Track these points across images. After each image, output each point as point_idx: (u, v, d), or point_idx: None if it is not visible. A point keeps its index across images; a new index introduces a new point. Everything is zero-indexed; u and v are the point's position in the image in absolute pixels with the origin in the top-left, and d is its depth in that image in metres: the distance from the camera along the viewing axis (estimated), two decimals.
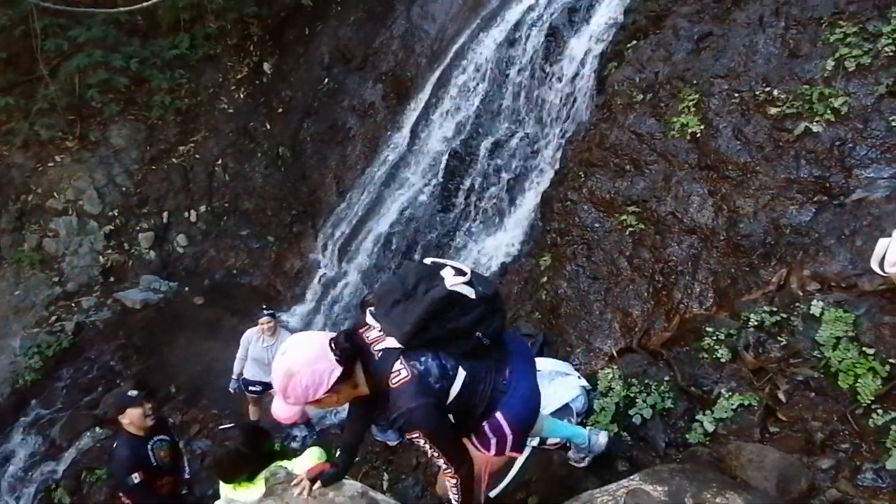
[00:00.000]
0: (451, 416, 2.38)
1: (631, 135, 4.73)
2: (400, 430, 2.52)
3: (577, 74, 6.41)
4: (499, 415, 2.49)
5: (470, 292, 2.39)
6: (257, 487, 2.74)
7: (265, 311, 6.49)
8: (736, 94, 4.35)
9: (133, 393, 4.10)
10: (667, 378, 3.43)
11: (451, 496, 2.47)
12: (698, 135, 4.39)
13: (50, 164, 10.38)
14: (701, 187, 4.31)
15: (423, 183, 8.60)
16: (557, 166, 5.86)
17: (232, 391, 6.86)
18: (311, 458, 2.87)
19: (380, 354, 2.30)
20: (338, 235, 10.24)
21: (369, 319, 2.43)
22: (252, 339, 6.57)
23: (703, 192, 4.30)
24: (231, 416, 7.82)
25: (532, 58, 7.10)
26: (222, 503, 2.79)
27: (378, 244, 9.01)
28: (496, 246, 6.94)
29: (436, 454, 2.31)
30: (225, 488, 2.86)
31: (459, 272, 2.46)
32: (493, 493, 3.38)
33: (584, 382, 3.61)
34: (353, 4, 11.18)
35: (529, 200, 6.80)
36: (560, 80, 6.70)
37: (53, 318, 9.30)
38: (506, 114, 7.53)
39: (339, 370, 2.20)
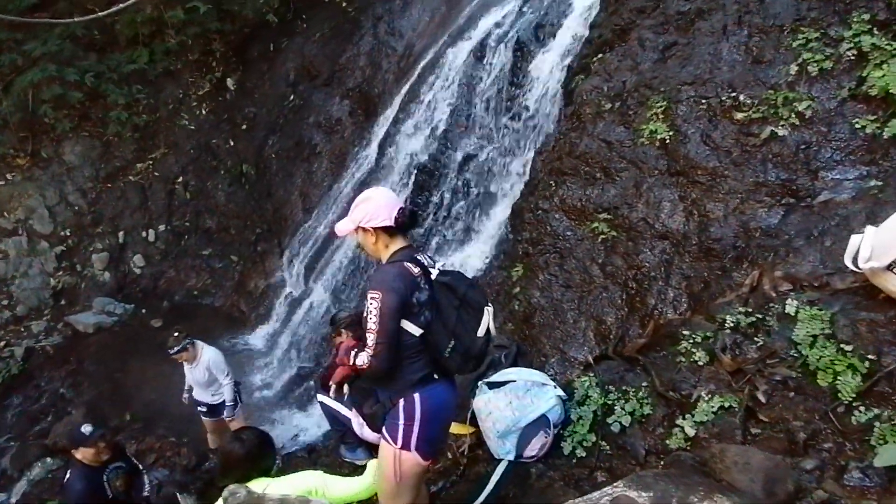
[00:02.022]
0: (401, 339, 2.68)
1: (601, 143, 4.75)
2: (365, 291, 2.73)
3: (544, 87, 6.46)
4: (416, 395, 2.73)
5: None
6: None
7: (172, 351, 6.10)
8: (703, 101, 4.41)
9: (87, 430, 3.88)
10: (644, 384, 3.39)
11: (360, 362, 2.71)
12: (667, 141, 4.43)
13: (0, 183, 9.94)
14: (671, 193, 4.35)
15: None
16: (527, 177, 5.85)
17: (184, 400, 6.69)
18: (299, 482, 2.86)
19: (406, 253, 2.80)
20: (304, 254, 10.04)
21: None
22: (186, 368, 6.39)
23: (674, 198, 4.33)
24: (190, 444, 7.50)
25: (500, 72, 7.14)
26: None
27: (346, 261, 8.86)
28: (465, 259, 6.87)
29: (372, 325, 2.59)
30: None
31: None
32: None
33: (560, 392, 3.54)
34: (319, 21, 11.15)
35: (499, 213, 6.77)
36: (527, 93, 6.74)
37: (2, 343, 8.81)
38: (475, 128, 7.53)
39: (390, 223, 2.75)
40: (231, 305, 10.97)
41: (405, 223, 2.80)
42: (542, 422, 3.42)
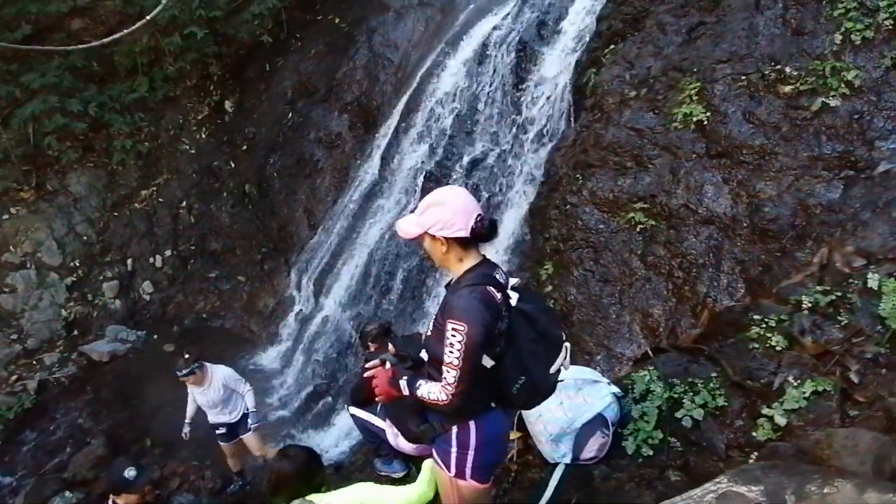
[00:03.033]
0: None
1: (629, 132, 4.46)
2: (442, 315, 2.29)
3: (551, 85, 6.16)
4: (472, 424, 2.42)
5: None
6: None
7: (181, 375, 5.76)
8: (742, 77, 4.13)
9: (132, 474, 3.67)
10: (714, 374, 3.06)
11: (428, 396, 2.34)
12: (705, 122, 4.13)
13: (4, 217, 9.59)
14: (714, 175, 4.05)
15: (399, 209, 8.18)
16: (543, 177, 5.53)
17: (184, 436, 6.32)
18: (352, 495, 2.61)
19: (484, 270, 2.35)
20: (312, 269, 9.68)
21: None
22: (194, 390, 6.03)
23: (717, 181, 4.03)
24: (213, 467, 7.15)
25: (503, 74, 6.86)
26: None
27: (356, 274, 8.50)
28: None
29: (454, 360, 2.21)
30: None
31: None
32: None
33: (615, 389, 3.20)
34: (313, 38, 10.89)
35: (512, 216, 6.44)
36: (534, 92, 6.44)
37: (13, 377, 8.42)
38: (480, 132, 7.23)
39: (465, 234, 2.27)
40: (241, 326, 10.62)
41: (484, 234, 2.31)
42: (598, 421, 3.10)
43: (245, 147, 11.31)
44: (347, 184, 9.79)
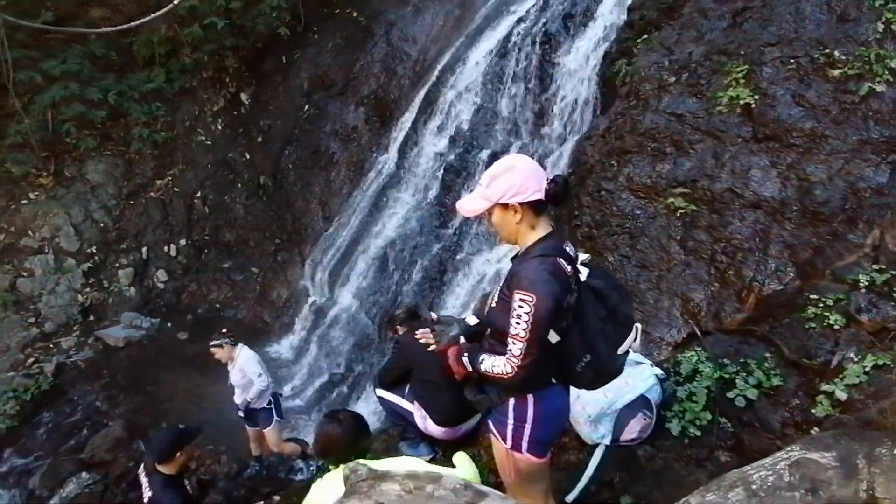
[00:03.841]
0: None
1: (668, 117, 4.43)
2: (509, 286, 2.20)
3: (578, 76, 6.12)
4: (530, 398, 2.34)
5: None
6: (335, 488, 2.34)
7: (212, 343, 5.98)
8: (791, 60, 4.09)
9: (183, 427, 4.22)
10: (767, 354, 3.02)
11: (492, 370, 2.27)
12: (752, 106, 4.08)
13: (23, 202, 9.58)
14: (761, 159, 4.01)
15: (418, 200, 8.16)
16: (568, 168, 5.48)
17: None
18: (405, 462, 2.58)
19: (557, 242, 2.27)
20: (327, 261, 9.63)
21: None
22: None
23: (765, 164, 3.99)
24: (229, 452, 7.15)
25: (526, 67, 6.82)
26: None
27: (372, 266, 8.47)
28: (504, 252, 6.49)
29: (521, 332, 2.13)
30: (311, 494, 2.56)
31: None
32: (569, 499, 2.89)
33: (657, 371, 3.16)
34: (330, 31, 10.87)
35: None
36: (559, 84, 6.40)
37: (31, 360, 8.40)
38: (501, 125, 7.19)
39: (540, 196, 2.19)
40: (254, 317, 10.58)
41: (558, 194, 2.21)
42: (640, 403, 3.07)
43: (260, 139, 11.29)
44: (363, 176, 9.76)
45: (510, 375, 2.20)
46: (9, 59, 8.79)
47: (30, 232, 9.39)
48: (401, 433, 4.58)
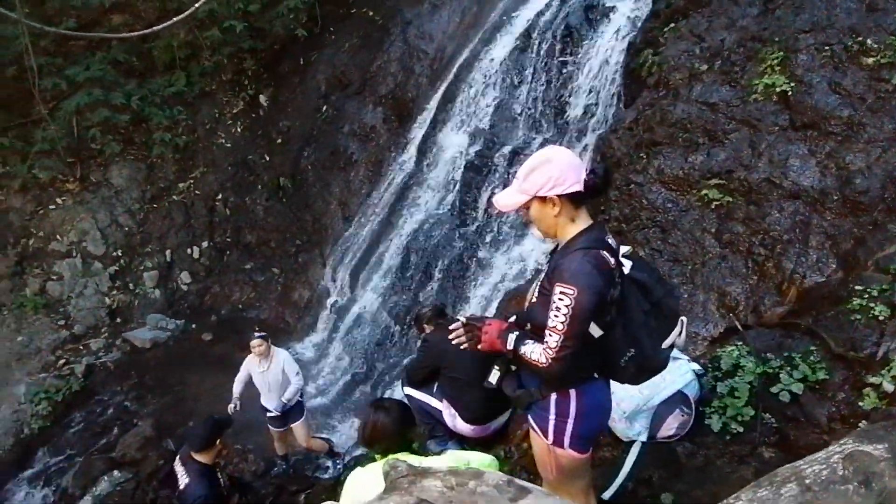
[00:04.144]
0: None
1: (701, 106, 4.35)
2: (550, 280, 2.18)
3: (600, 69, 6.05)
4: (573, 392, 2.30)
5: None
6: (375, 483, 2.33)
7: (256, 334, 6.04)
8: (826, 48, 4.00)
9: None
10: (812, 347, 2.97)
11: (530, 356, 2.23)
12: (789, 93, 4.00)
13: (51, 207, 9.76)
14: (799, 148, 3.92)
15: (438, 199, 8.15)
16: (593, 161, 5.43)
17: (230, 412, 6.14)
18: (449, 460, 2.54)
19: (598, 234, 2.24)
20: (347, 261, 9.67)
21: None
22: (252, 367, 6.09)
23: (804, 153, 3.91)
24: (255, 451, 7.22)
25: (547, 61, 6.76)
26: None
27: (393, 265, 8.48)
28: (527, 252, 6.47)
29: (558, 325, 2.10)
30: (349, 482, 2.55)
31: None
32: (606, 496, 2.86)
33: (695, 366, 3.11)
34: (347, 31, 10.89)
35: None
36: (581, 77, 6.34)
37: (61, 361, 8.57)
38: (522, 121, 7.15)
39: (580, 187, 2.16)
40: (276, 317, 10.67)
41: (598, 186, 2.18)
42: (677, 399, 3.01)
43: (279, 140, 11.36)
44: (382, 176, 9.78)
45: (543, 366, 2.17)
46: (34, 66, 8.94)
47: (58, 236, 9.57)
48: (429, 431, 4.57)
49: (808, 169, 3.91)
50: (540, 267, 6.18)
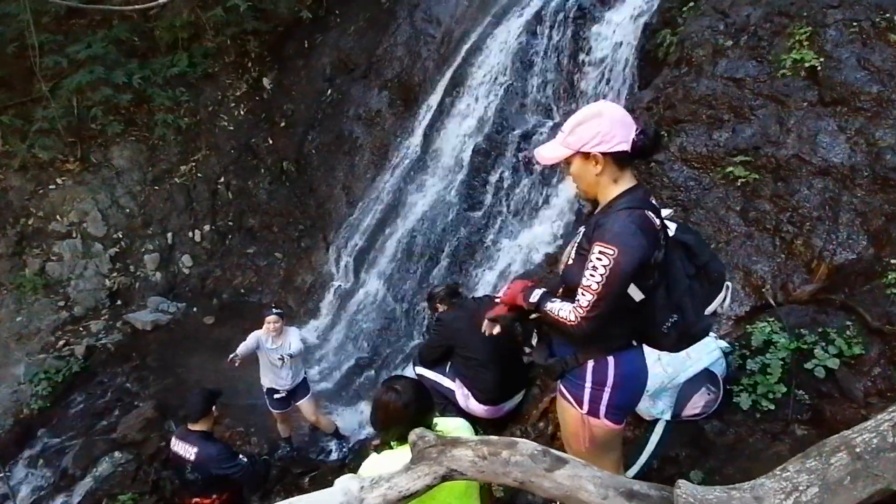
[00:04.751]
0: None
1: (726, 82, 4.25)
2: (590, 239, 2.08)
3: (614, 52, 5.91)
4: (610, 360, 2.19)
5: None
6: (402, 453, 2.27)
7: (274, 311, 5.99)
8: (854, 23, 3.90)
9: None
10: (848, 322, 2.88)
11: (558, 313, 2.13)
12: (818, 68, 3.89)
13: (51, 187, 9.58)
14: (828, 124, 3.81)
15: (445, 183, 8.01)
16: None
17: (232, 361, 5.98)
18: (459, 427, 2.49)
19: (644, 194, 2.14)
20: (351, 246, 9.53)
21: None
22: (262, 342, 5.93)
23: (833, 129, 3.81)
24: (258, 433, 7.13)
25: (558, 44, 6.61)
26: (354, 480, 2.08)
27: (400, 250, 8.35)
28: (535, 237, 6.34)
29: (593, 284, 2.00)
30: (365, 465, 2.47)
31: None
32: (629, 474, 2.77)
33: (722, 343, 3.00)
34: (353, 14, 10.71)
35: (567, 188, 6.23)
36: (593, 60, 6.19)
37: (61, 342, 8.44)
38: (532, 105, 7.00)
39: (626, 146, 2.04)
40: (279, 302, 10.49)
41: (646, 148, 2.08)
42: (703, 377, 2.91)
43: (283, 124, 11.20)
44: (388, 160, 9.63)
45: (572, 324, 2.07)
46: (35, 44, 8.74)
47: (58, 217, 9.40)
48: (441, 412, 4.46)
49: (837, 145, 3.81)
50: (552, 251, 6.06)
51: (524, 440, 2.03)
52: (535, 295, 2.23)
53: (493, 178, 7.22)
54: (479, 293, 7.04)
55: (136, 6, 6.20)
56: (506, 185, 7.06)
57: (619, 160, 2.09)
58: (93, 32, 9.95)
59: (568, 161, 2.15)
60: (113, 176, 10.12)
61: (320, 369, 8.68)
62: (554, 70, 6.77)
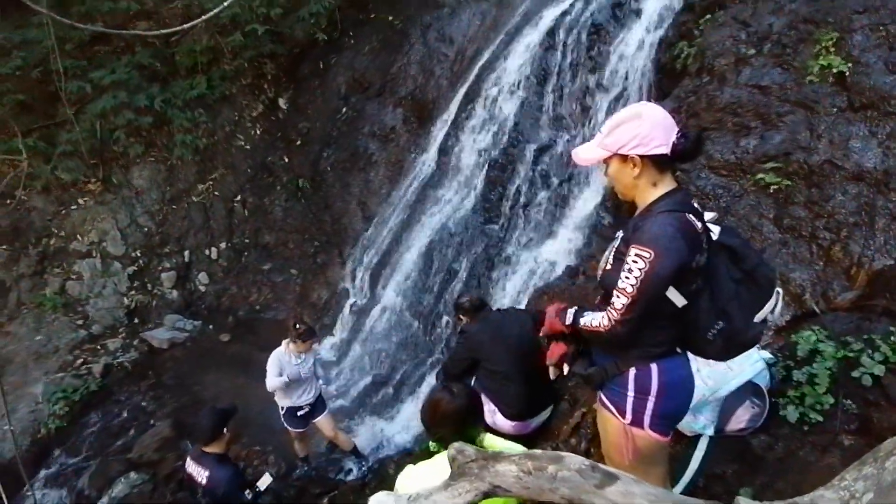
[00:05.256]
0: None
1: (751, 90, 4.14)
2: (628, 243, 1.99)
3: (629, 65, 5.83)
4: (654, 367, 2.07)
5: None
6: (439, 466, 2.16)
7: (302, 325, 5.84)
8: (880, 28, 3.79)
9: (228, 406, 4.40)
10: (892, 328, 2.73)
11: (590, 323, 2.08)
12: (846, 74, 3.78)
13: (73, 207, 9.62)
14: (859, 129, 3.69)
15: (461, 197, 7.91)
16: None
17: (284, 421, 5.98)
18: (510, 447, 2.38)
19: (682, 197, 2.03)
20: (367, 261, 9.44)
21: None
22: (284, 360, 5.76)
23: (864, 134, 3.70)
24: (275, 452, 6.98)
25: (573, 59, 6.54)
26: (391, 497, 1.94)
27: (416, 265, 8.24)
28: (555, 250, 6.21)
29: (627, 287, 1.92)
30: (401, 479, 2.33)
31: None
32: (677, 491, 2.58)
33: (766, 354, 2.83)
34: (367, 35, 10.76)
35: (587, 199, 6.11)
36: (608, 74, 6.11)
37: (79, 361, 8.36)
38: (547, 120, 6.93)
39: (666, 150, 1.96)
40: (294, 318, 10.35)
41: (687, 152, 1.98)
42: (747, 390, 2.73)
43: (299, 142, 11.21)
44: (402, 176, 9.58)
45: (606, 328, 2.01)
46: (61, 69, 8.84)
47: (78, 236, 9.40)
48: None
49: (869, 150, 3.68)
50: (573, 263, 5.91)
51: (570, 454, 1.88)
52: (569, 316, 2.15)
53: (511, 191, 7.12)
54: (500, 305, 6.90)
55: (160, 31, 6.20)
56: (523, 199, 6.95)
57: (658, 163, 2.01)
58: (117, 58, 10.09)
59: (606, 162, 2.08)
60: (132, 196, 10.14)
61: (337, 386, 8.52)
62: (569, 84, 6.70)
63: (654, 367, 2.07)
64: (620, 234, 2.16)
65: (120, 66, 9.64)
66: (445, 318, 7.24)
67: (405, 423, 6.90)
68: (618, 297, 1.96)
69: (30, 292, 8.92)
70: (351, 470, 6.49)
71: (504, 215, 7.16)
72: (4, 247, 9.20)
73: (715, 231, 2.06)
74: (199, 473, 4.25)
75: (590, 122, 6.58)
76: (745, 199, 3.90)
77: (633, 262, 1.91)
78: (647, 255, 1.88)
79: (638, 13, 6.12)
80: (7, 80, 9.18)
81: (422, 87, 9.76)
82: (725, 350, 2.09)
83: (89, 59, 10.05)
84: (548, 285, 5.51)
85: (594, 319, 2.06)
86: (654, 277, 1.89)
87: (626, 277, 1.93)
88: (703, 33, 4.74)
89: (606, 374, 2.15)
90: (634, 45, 5.96)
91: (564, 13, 7.04)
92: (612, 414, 2.15)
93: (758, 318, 2.06)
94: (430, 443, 2.34)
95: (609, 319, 1.99)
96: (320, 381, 6.09)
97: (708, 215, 2.10)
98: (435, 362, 7.19)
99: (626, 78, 5.96)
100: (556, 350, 2.29)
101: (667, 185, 2.05)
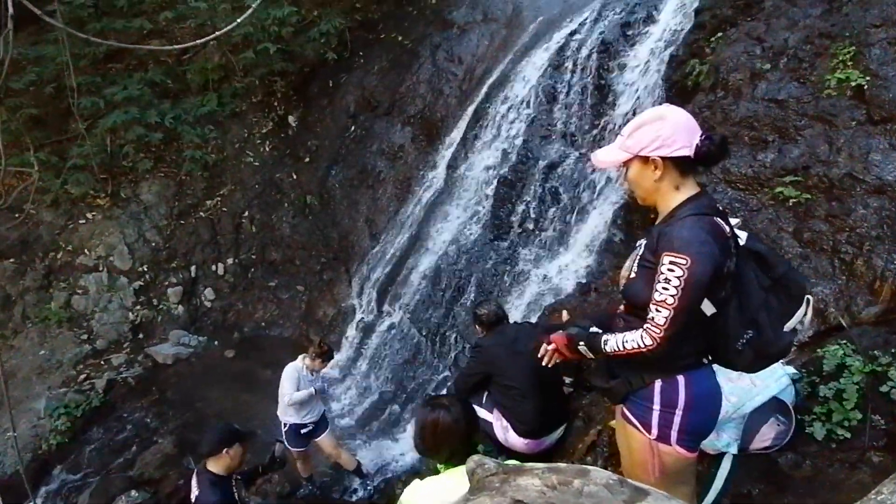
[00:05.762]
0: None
1: (767, 104, 4.11)
2: (654, 251, 1.90)
3: (638, 83, 5.82)
4: (681, 379, 1.96)
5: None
6: (448, 480, 2.04)
7: (328, 346, 5.76)
8: None
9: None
10: None
11: (624, 346, 1.93)
12: (865, 87, 3.74)
13: (81, 221, 9.61)
14: (879, 142, 3.65)
15: (470, 214, 7.85)
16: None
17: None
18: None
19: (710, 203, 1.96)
20: (374, 278, 9.36)
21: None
22: (302, 375, 5.66)
23: (885, 147, 3.65)
24: (280, 472, 6.74)
25: (583, 77, 6.54)
26: None
27: (424, 282, 8.15)
28: (565, 266, 6.12)
29: (668, 299, 1.80)
30: (407, 493, 2.20)
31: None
32: None
33: (790, 370, 2.73)
34: (376, 55, 10.84)
35: (598, 216, 6.04)
36: (617, 92, 6.10)
37: (82, 376, 8.25)
38: (557, 136, 6.89)
39: (689, 152, 1.88)
40: (300, 335, 10.33)
41: (711, 155, 1.90)
42: (772, 406, 2.62)
43: (307, 159, 11.23)
44: (410, 194, 9.55)
45: (650, 348, 1.87)
46: (74, 85, 8.91)
47: (86, 251, 9.37)
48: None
49: (890, 163, 3.62)
50: (584, 280, 5.82)
51: (597, 468, 1.77)
52: (585, 351, 2.03)
53: (520, 207, 7.07)
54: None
55: (174, 46, 6.25)
56: (532, 215, 6.89)
57: (681, 166, 1.94)
58: (129, 75, 10.18)
59: (625, 165, 2.01)
60: (140, 210, 10.14)
61: (342, 405, 8.39)
62: (579, 101, 6.69)
63: (680, 379, 1.97)
64: (643, 241, 2.07)
65: (132, 83, 9.72)
66: (453, 335, 7.13)
67: (412, 441, 6.74)
68: (658, 311, 1.85)
69: (35, 306, 8.86)
70: (356, 489, 6.33)
71: (513, 232, 7.10)
72: (11, 260, 9.17)
73: (742, 236, 1.98)
74: (193, 489, 4.14)
75: (599, 139, 6.55)
76: (764, 213, 3.83)
77: (669, 270, 1.81)
78: (684, 261, 1.78)
79: (647, 32, 6.14)
80: (21, 95, 9.26)
81: (430, 105, 9.78)
82: (755, 361, 2.00)
83: (102, 75, 10.15)
84: (559, 302, 5.41)
85: (628, 342, 1.92)
86: (695, 285, 1.79)
87: (665, 288, 1.82)
88: (716, 50, 4.74)
89: (630, 386, 2.04)
90: (644, 63, 5.96)
91: (573, 32, 7.08)
92: (637, 429, 2.05)
93: (787, 327, 1.97)
94: (439, 465, 2.20)
95: (652, 337, 1.86)
96: (325, 402, 6.05)
97: (734, 221, 2.02)
98: (442, 381, 7.06)
99: (636, 96, 5.95)
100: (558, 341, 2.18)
101: (690, 189, 1.97)
